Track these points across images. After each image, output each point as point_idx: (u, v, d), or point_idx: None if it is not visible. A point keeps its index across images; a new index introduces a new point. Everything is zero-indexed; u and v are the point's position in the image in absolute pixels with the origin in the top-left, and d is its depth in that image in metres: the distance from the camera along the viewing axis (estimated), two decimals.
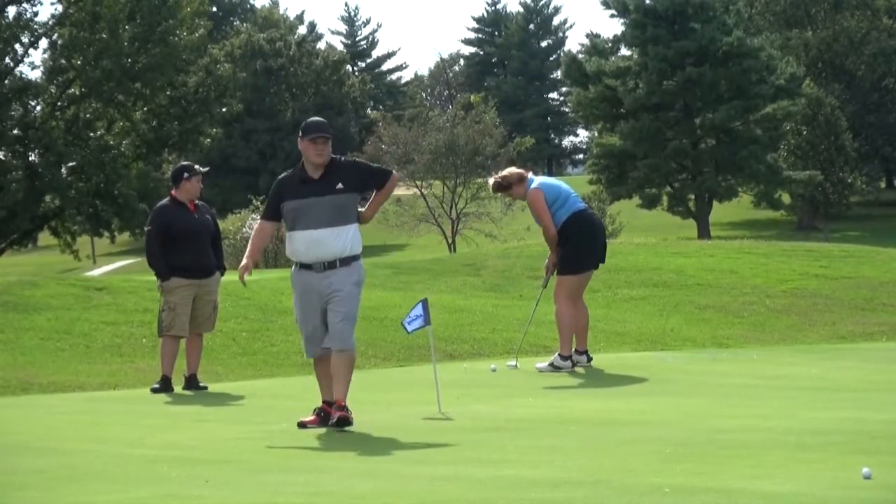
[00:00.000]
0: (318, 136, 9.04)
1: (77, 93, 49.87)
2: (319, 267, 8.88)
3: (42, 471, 7.52)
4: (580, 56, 73.77)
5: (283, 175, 9.28)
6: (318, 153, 9.03)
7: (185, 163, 12.87)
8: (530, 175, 12.76)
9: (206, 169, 12.77)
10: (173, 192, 12.41)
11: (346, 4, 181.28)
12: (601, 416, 9.36)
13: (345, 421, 8.82)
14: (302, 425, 8.99)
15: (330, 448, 8.32)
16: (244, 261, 9.11)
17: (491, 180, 13.10)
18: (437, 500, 6.43)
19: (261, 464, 7.64)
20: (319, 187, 8.93)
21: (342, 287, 8.84)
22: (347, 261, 8.91)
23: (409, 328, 10.17)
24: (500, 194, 13.17)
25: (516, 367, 12.73)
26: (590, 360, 12.71)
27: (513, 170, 12.97)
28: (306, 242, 8.89)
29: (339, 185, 8.95)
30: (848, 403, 9.83)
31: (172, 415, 10.62)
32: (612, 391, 11.20)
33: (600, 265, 13.04)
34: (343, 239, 8.90)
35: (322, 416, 9.02)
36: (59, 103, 50.19)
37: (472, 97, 68.26)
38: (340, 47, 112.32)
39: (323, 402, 9.12)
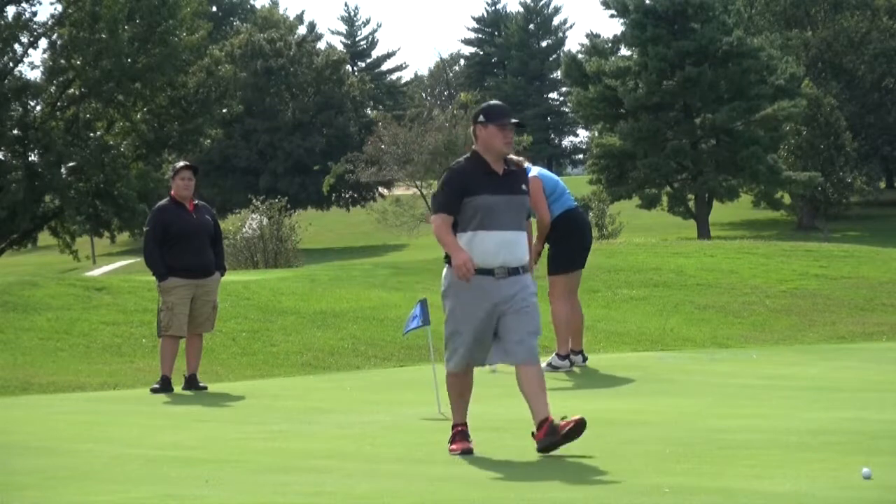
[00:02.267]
0: (507, 122, 8.02)
1: (77, 93, 49.88)
2: (502, 273, 7.80)
3: (42, 471, 7.52)
4: (580, 56, 73.77)
5: (459, 165, 8.10)
6: (507, 142, 8.05)
7: (177, 163, 12.86)
8: (528, 164, 12.75)
9: (184, 164, 12.60)
10: (173, 192, 12.43)
11: (346, 4, 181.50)
12: (601, 416, 9.35)
13: (569, 436, 7.70)
14: (467, 451, 7.87)
15: (330, 448, 8.31)
16: (461, 255, 7.74)
17: None
18: (437, 500, 6.43)
19: (261, 464, 7.64)
20: (508, 185, 7.98)
21: (529, 298, 7.85)
22: (526, 269, 7.97)
23: (405, 329, 10.19)
24: None
25: (496, 371, 12.67)
26: (585, 359, 12.70)
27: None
28: (497, 244, 7.80)
29: (523, 186, 8.09)
30: (848, 403, 9.83)
31: (172, 415, 10.62)
32: (612, 391, 11.20)
33: (595, 264, 13.02)
34: (524, 244, 8.02)
35: (463, 435, 7.98)
36: (58, 103, 50.19)
37: (462, 95, 68.20)
38: (340, 47, 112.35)
39: (458, 424, 8.04)
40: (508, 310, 7.79)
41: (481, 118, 8.04)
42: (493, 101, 8.27)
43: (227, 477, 7.18)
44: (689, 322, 18.30)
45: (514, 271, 7.83)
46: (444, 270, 7.94)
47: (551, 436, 7.66)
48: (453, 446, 7.89)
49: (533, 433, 7.79)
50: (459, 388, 8.08)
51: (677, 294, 20.16)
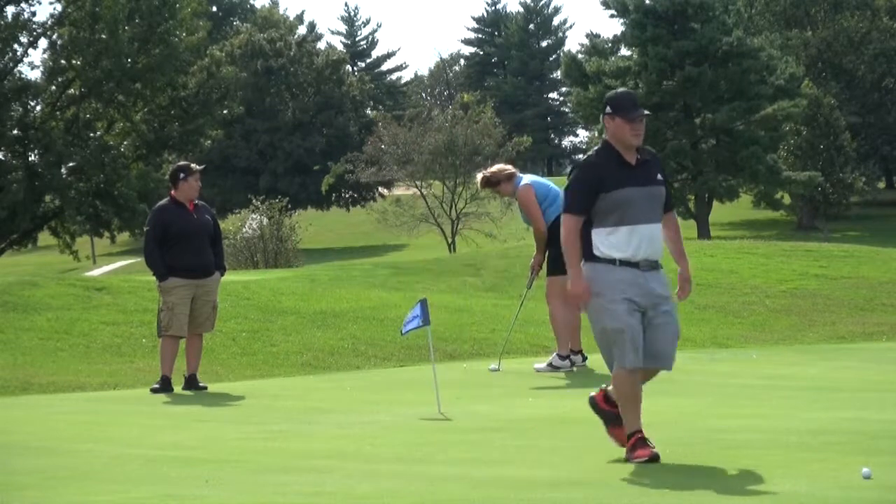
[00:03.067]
0: (637, 116, 7.59)
1: (77, 93, 49.86)
2: (647, 265, 7.50)
3: (42, 471, 7.52)
4: (580, 56, 73.79)
5: (591, 159, 7.65)
6: (636, 133, 7.60)
7: (182, 163, 12.85)
8: (518, 174, 12.76)
9: (203, 167, 12.74)
10: (172, 192, 12.42)
11: (346, 4, 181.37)
12: None
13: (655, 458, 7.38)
14: (653, 457, 7.33)
15: (330, 448, 8.31)
16: (579, 284, 7.49)
17: (479, 176, 13.08)
18: (437, 500, 6.43)
19: (261, 464, 7.64)
20: (643, 176, 7.60)
21: (668, 296, 7.57)
22: (661, 263, 7.67)
23: (404, 329, 10.18)
24: (488, 191, 13.08)
25: (498, 370, 12.67)
26: (585, 359, 12.70)
27: (502, 166, 12.96)
28: (639, 239, 7.47)
29: (659, 176, 7.70)
30: (848, 403, 9.83)
31: (172, 415, 10.62)
32: None
33: None
34: (661, 236, 7.68)
35: (644, 442, 7.46)
36: (58, 103, 50.19)
37: (465, 96, 68.27)
38: (340, 47, 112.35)
39: (637, 432, 7.49)
40: (655, 309, 7.49)
41: (608, 109, 7.61)
42: (621, 91, 7.83)
43: (227, 477, 7.18)
44: (689, 322, 18.28)
45: (655, 265, 7.56)
46: (585, 269, 7.52)
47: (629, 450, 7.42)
48: (638, 453, 7.33)
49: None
50: (634, 388, 7.53)
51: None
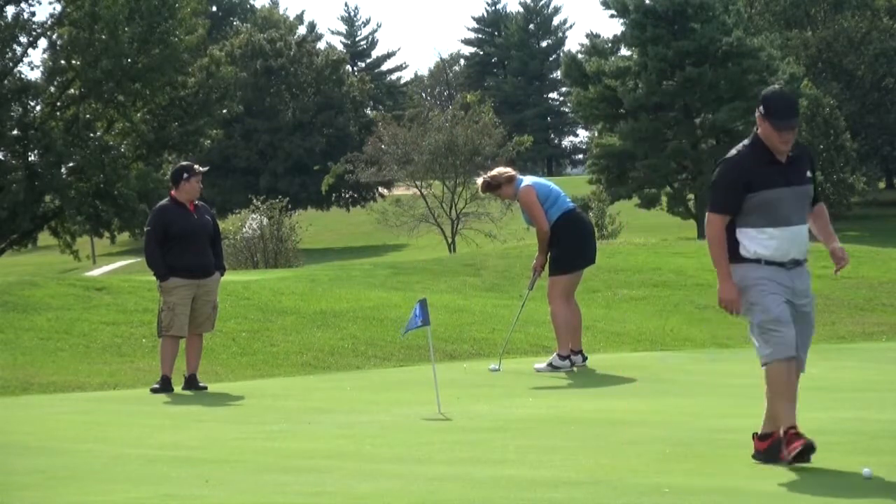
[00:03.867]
0: (786, 126, 7.23)
1: (77, 93, 49.88)
2: (791, 264, 7.35)
3: (42, 471, 7.52)
4: (580, 56, 73.83)
5: (738, 156, 7.34)
6: (785, 141, 7.26)
7: (185, 163, 12.86)
8: (518, 175, 12.78)
9: (206, 168, 12.75)
10: (173, 192, 12.42)
11: (346, 4, 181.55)
12: (601, 416, 9.36)
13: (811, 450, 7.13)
14: (807, 446, 7.07)
15: (330, 448, 8.31)
16: (728, 290, 7.36)
17: (480, 180, 13.10)
18: (437, 500, 6.43)
19: (261, 464, 7.64)
20: (793, 174, 7.34)
21: (810, 295, 7.44)
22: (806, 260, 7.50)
23: (403, 330, 10.18)
24: (489, 194, 13.10)
25: (499, 370, 12.67)
26: (585, 359, 12.71)
27: (502, 169, 12.99)
28: (788, 242, 7.31)
29: (808, 174, 7.43)
30: (848, 403, 9.83)
31: (172, 415, 10.61)
32: (612, 391, 11.21)
33: (595, 264, 13.02)
34: (807, 235, 7.46)
35: (799, 435, 7.14)
36: (58, 103, 50.20)
37: (467, 96, 68.28)
38: (340, 47, 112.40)
39: (791, 427, 7.17)
40: (795, 315, 7.33)
41: (761, 108, 7.28)
42: (778, 92, 7.42)
43: (227, 477, 7.18)
44: (689, 322, 18.28)
45: (800, 262, 7.39)
46: (734, 271, 7.35)
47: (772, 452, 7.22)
48: (792, 445, 7.04)
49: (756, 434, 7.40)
50: (789, 378, 7.22)
51: (677, 294, 20.15)
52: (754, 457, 7.34)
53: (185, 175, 12.31)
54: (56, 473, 7.44)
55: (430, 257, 29.41)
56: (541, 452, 7.80)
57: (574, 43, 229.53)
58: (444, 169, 57.55)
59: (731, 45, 65.77)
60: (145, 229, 12.55)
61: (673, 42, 66.68)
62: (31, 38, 50.24)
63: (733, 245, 7.35)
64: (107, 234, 51.57)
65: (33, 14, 50.46)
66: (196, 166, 12.53)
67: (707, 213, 7.42)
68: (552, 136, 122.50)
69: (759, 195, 7.24)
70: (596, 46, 74.41)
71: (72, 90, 50.08)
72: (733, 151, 7.40)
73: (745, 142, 7.41)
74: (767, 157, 7.27)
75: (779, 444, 7.19)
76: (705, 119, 67.20)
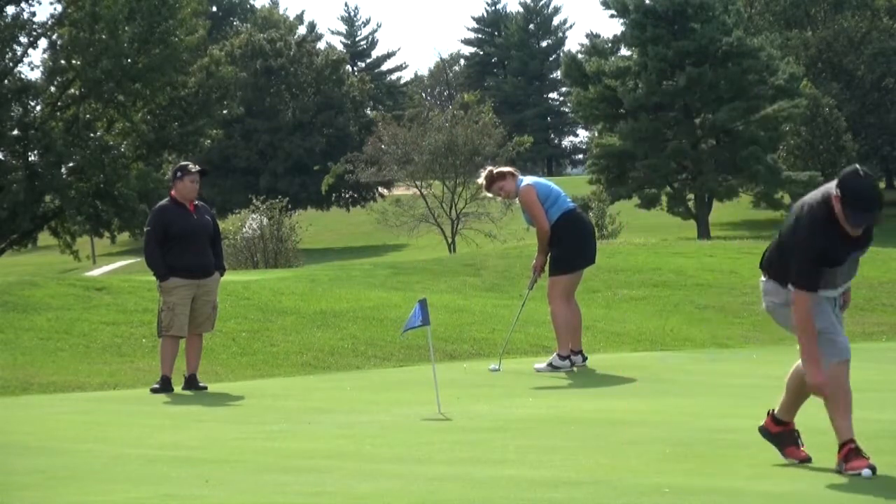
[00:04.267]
0: (859, 225, 6.98)
1: (77, 93, 49.89)
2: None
3: (42, 471, 7.52)
4: (580, 56, 73.84)
5: (821, 233, 6.99)
6: (857, 231, 7.00)
7: (183, 162, 12.88)
8: (518, 174, 12.80)
9: (198, 168, 12.66)
10: (172, 192, 12.43)
11: (346, 4, 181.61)
12: (601, 416, 9.36)
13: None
14: (872, 469, 6.93)
15: (330, 448, 8.31)
16: (818, 377, 7.07)
17: (484, 172, 13.09)
18: (437, 500, 6.43)
19: (261, 464, 7.64)
20: (858, 244, 7.15)
21: (841, 319, 7.36)
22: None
23: (404, 329, 10.17)
24: (490, 186, 13.01)
25: (499, 370, 12.67)
26: (585, 359, 12.71)
27: (503, 168, 13.05)
28: (832, 299, 7.27)
29: (869, 236, 7.25)
30: None
31: (172, 415, 10.61)
32: (612, 391, 11.20)
33: (595, 264, 13.02)
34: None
35: (859, 451, 7.05)
36: (58, 103, 50.20)
37: (466, 96, 68.28)
38: (340, 47, 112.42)
39: (850, 440, 7.08)
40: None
41: (838, 191, 6.86)
42: (861, 183, 6.88)
43: (227, 477, 7.18)
44: (689, 322, 18.28)
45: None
46: (768, 285, 7.31)
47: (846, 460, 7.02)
48: (853, 464, 6.93)
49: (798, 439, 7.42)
50: (847, 380, 7.16)
51: (677, 294, 20.15)
52: (760, 429, 7.45)
53: (179, 174, 12.35)
54: (56, 473, 7.44)
55: (430, 257, 29.41)
56: (541, 452, 7.80)
57: (574, 43, 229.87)
58: (444, 169, 57.56)
59: (731, 45, 65.77)
60: (145, 229, 12.56)
61: (673, 42, 66.69)
62: (31, 38, 50.26)
63: (782, 277, 7.18)
64: (107, 234, 51.58)
65: (33, 14, 50.61)
66: (190, 165, 12.54)
67: (795, 290, 7.07)
68: (552, 136, 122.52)
69: (829, 270, 7.11)
70: (596, 46, 74.45)
71: (72, 90, 50.09)
72: (813, 217, 7.03)
73: (822, 207, 7.02)
74: (842, 235, 7.00)
75: (789, 436, 7.31)
76: (705, 119, 67.20)
